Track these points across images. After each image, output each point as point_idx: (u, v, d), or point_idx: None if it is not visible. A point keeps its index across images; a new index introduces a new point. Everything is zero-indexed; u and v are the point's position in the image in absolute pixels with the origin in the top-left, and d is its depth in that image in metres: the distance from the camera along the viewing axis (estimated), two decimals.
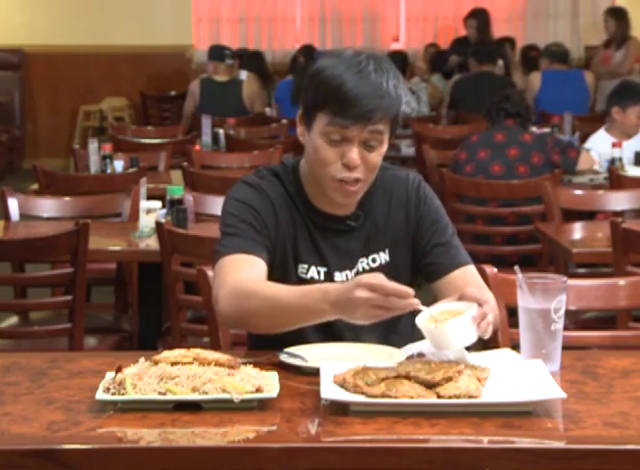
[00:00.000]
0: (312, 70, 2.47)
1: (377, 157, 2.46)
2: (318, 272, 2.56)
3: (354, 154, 2.42)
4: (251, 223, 2.50)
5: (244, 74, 9.23)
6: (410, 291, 2.14)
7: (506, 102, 5.58)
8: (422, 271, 2.61)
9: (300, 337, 2.43)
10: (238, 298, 2.37)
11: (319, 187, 2.53)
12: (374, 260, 2.58)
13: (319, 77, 2.43)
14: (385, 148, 2.48)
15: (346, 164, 2.43)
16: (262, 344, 2.52)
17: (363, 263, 2.58)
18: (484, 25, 10.44)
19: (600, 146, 5.89)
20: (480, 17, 10.49)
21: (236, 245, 2.48)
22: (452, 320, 2.16)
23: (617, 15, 10.08)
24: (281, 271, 2.53)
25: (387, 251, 2.59)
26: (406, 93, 2.50)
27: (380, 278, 2.15)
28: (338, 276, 2.56)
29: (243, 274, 2.42)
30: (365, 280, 2.15)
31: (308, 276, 2.55)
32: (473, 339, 2.18)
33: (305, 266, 2.55)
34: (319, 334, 2.48)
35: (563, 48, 9.34)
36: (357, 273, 2.56)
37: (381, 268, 2.57)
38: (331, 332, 2.48)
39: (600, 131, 6.14)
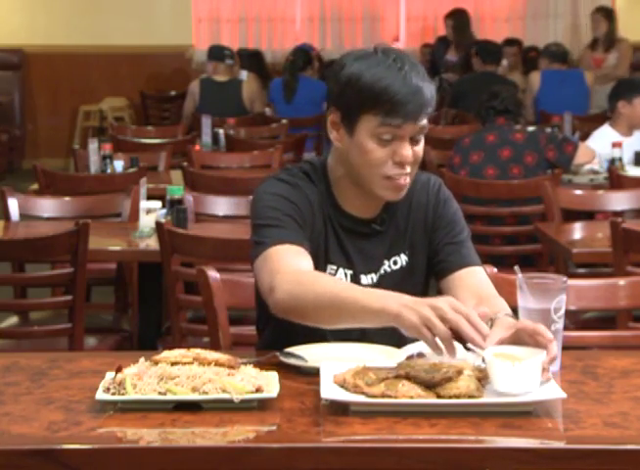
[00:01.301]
0: (347, 76, 2.44)
1: (421, 150, 2.49)
2: (345, 274, 2.55)
3: (408, 151, 2.44)
4: (293, 217, 2.47)
5: (244, 75, 9.23)
6: (486, 333, 2.08)
7: (494, 99, 5.57)
8: (433, 269, 2.61)
9: (317, 340, 2.42)
10: (299, 285, 2.30)
11: (348, 189, 2.53)
12: (395, 263, 2.59)
13: (360, 82, 2.42)
14: (424, 139, 2.51)
15: (400, 161, 2.44)
16: (273, 344, 2.49)
17: (385, 266, 2.58)
18: (462, 25, 10.40)
19: (604, 141, 5.92)
20: (456, 16, 10.45)
21: (282, 235, 2.43)
22: (529, 361, 2.05)
23: (609, 15, 10.01)
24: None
25: (407, 252, 2.60)
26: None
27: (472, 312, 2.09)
28: (364, 279, 2.56)
29: (297, 263, 2.38)
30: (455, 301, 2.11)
31: (336, 278, 2.54)
32: (538, 385, 2.06)
33: (334, 268, 2.55)
34: (335, 339, 2.46)
35: (562, 48, 9.32)
36: (381, 276, 2.57)
37: (401, 270, 2.58)
38: (347, 337, 2.46)
39: (604, 127, 6.17)
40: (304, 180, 2.55)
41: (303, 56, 9.23)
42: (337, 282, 2.39)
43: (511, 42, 10.42)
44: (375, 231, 2.57)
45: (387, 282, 2.56)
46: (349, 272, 2.56)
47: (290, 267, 2.35)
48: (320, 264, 2.51)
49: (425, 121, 2.45)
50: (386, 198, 2.52)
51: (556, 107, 7.96)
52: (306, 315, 2.31)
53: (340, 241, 2.55)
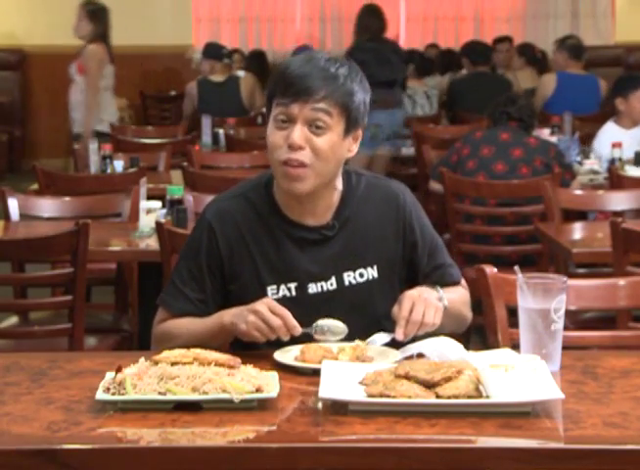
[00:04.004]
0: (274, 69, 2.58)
1: (324, 142, 2.45)
2: (289, 289, 2.54)
3: (296, 133, 2.43)
4: (193, 274, 2.57)
5: (242, 74, 9.23)
6: (297, 333, 2.35)
7: (511, 105, 5.56)
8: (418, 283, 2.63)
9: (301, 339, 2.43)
10: (163, 342, 2.56)
11: (287, 197, 2.53)
12: (361, 275, 2.57)
13: (274, 72, 2.53)
14: (336, 137, 2.46)
15: (290, 144, 2.44)
16: (243, 347, 2.53)
17: (350, 277, 2.56)
18: None
19: (608, 137, 5.94)
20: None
21: (169, 302, 2.60)
22: (517, 369, 2.11)
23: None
24: (252, 297, 2.47)
25: (375, 267, 2.58)
26: (365, 91, 2.49)
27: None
28: (312, 288, 2.55)
29: (167, 324, 2.61)
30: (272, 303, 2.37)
31: (280, 295, 2.53)
32: (533, 388, 2.09)
33: (274, 287, 2.54)
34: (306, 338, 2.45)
35: (580, 41, 8.76)
36: (342, 287, 2.55)
37: (368, 284, 2.57)
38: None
39: (608, 123, 6.21)
40: (230, 212, 2.57)
41: None
42: (188, 325, 2.54)
43: (502, 39, 10.37)
44: (324, 237, 2.55)
45: (354, 294, 2.56)
46: (293, 285, 2.54)
47: (159, 329, 2.61)
48: (257, 290, 2.52)
49: (323, 106, 2.43)
50: (286, 188, 2.49)
51: (567, 110, 7.73)
52: None
53: (281, 255, 2.54)
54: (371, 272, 2.57)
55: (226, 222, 2.56)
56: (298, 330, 2.35)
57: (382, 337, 2.42)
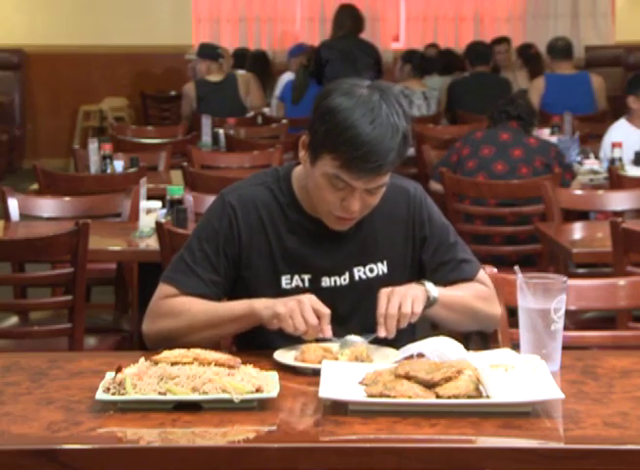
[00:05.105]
0: (326, 108, 2.40)
1: (376, 198, 2.47)
2: (302, 280, 2.55)
3: (355, 203, 2.43)
4: (208, 255, 2.53)
5: (241, 72, 9.22)
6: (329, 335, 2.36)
7: (510, 105, 5.58)
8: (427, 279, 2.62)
9: (290, 340, 2.43)
10: (166, 318, 2.51)
11: (311, 194, 2.53)
12: (371, 270, 2.58)
13: (332, 119, 2.38)
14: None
15: (346, 208, 2.44)
16: (249, 346, 2.54)
17: (360, 272, 2.58)
18: None
19: (621, 134, 5.95)
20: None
21: (178, 279, 2.53)
22: (522, 367, 2.11)
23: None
24: (265, 285, 2.52)
25: (385, 262, 2.59)
26: (408, 120, 2.43)
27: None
28: (325, 281, 2.56)
29: (172, 300, 2.54)
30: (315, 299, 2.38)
31: (293, 285, 2.54)
32: (533, 388, 2.10)
33: (288, 276, 2.55)
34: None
35: (566, 41, 8.82)
36: (353, 282, 2.57)
37: (378, 279, 2.57)
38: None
39: (620, 121, 6.20)
40: (253, 198, 2.56)
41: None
42: (203, 303, 2.50)
43: (500, 40, 10.39)
44: (341, 234, 2.55)
45: (363, 289, 2.57)
46: (307, 276, 2.55)
47: (165, 304, 2.52)
48: (272, 278, 2.54)
49: (385, 179, 2.42)
50: (328, 225, 2.52)
51: (561, 111, 7.75)
52: (180, 338, 2.43)
53: (300, 245, 2.55)
54: (381, 268, 2.59)
55: (249, 209, 2.56)
56: (329, 334, 2.36)
57: (362, 337, 2.41)
